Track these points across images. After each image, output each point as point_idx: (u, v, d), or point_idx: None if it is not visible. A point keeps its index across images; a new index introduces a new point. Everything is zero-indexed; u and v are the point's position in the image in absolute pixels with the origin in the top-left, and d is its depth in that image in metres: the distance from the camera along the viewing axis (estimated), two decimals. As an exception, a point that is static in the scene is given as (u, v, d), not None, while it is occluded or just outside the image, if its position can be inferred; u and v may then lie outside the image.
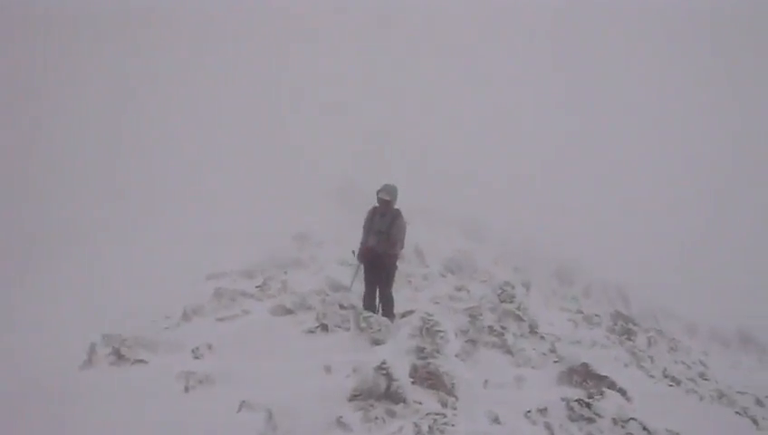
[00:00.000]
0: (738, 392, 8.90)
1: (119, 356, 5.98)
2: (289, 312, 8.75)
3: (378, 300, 8.18)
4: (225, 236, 18.29)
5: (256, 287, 11.21)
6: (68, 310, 12.04)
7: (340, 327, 7.61)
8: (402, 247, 8.00)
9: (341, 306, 8.20)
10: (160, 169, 26.12)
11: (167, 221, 20.96)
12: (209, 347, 6.54)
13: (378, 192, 7.85)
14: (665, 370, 8.98)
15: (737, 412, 7.26)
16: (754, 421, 7.10)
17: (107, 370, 5.64)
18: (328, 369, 5.58)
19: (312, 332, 7.47)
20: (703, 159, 35.25)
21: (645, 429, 4.74)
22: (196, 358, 6.25)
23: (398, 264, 8.26)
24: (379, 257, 7.92)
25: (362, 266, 8.21)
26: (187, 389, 4.98)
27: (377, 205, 7.97)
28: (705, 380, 9.51)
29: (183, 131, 30.01)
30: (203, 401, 4.68)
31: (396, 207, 7.96)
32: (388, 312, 8.01)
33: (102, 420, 4.19)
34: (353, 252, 8.26)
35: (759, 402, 8.66)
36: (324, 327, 7.51)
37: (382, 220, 7.85)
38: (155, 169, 26.19)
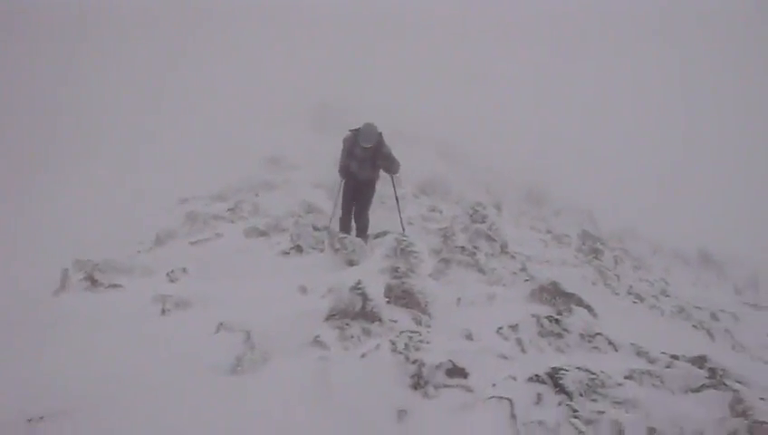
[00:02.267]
0: (696, 307, 9.30)
1: (92, 281, 5.93)
2: (262, 234, 8.76)
3: (353, 222, 8.25)
4: (197, 160, 18.01)
5: (228, 210, 11.14)
6: (39, 239, 11.88)
7: (314, 249, 7.66)
8: (399, 166, 8.15)
9: (315, 228, 8.23)
10: (133, 96, 25.35)
11: (138, 146, 20.51)
12: (184, 270, 6.55)
13: (359, 139, 7.86)
14: (630, 287, 9.30)
15: (694, 326, 7.61)
16: (710, 334, 7.48)
17: (81, 295, 5.60)
18: (303, 290, 5.64)
19: (286, 253, 7.50)
20: (677, 98, 35.48)
21: (610, 343, 4.94)
22: (172, 281, 6.27)
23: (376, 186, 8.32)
24: (362, 183, 8.10)
25: (341, 188, 8.38)
26: (163, 311, 5.00)
27: (355, 132, 7.97)
28: (667, 296, 9.89)
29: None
30: (180, 323, 4.71)
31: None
32: (363, 233, 8.09)
33: (78, 344, 4.18)
34: (339, 170, 8.39)
35: (714, 316, 9.07)
36: (298, 248, 7.55)
37: (365, 151, 7.93)
38: (128, 95, 25.40)
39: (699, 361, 4.53)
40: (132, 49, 30.04)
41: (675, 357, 4.65)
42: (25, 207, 14.84)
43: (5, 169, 18.45)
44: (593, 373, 3.97)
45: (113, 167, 18.49)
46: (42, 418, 3.16)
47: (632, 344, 4.93)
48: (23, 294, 6.44)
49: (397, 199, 8.93)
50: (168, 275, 6.42)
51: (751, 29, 40.95)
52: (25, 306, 5.04)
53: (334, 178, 13.37)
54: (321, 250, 7.49)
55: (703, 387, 3.89)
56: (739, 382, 3.97)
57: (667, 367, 4.37)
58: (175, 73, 28.23)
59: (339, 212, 8.59)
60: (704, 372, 4.21)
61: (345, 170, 8.18)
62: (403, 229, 8.59)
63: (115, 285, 5.93)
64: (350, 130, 8.16)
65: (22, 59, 27.02)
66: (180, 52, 30.29)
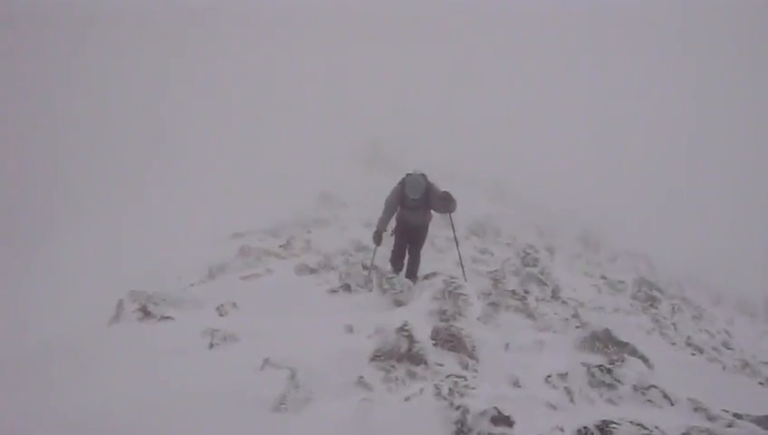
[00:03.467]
0: (762, 363, 8.81)
1: (145, 313, 6.09)
2: (312, 271, 8.84)
3: (405, 262, 8.19)
4: (251, 195, 18.42)
5: (280, 246, 11.30)
6: (92, 270, 12.29)
7: (362, 287, 7.67)
8: (456, 204, 7.79)
9: (365, 266, 8.26)
10: (187, 130, 26.30)
11: (193, 181, 21.17)
12: (234, 305, 6.64)
13: (407, 191, 7.66)
14: (688, 338, 8.90)
15: (761, 383, 7.20)
16: (778, 392, 7.05)
17: (134, 326, 5.74)
18: (350, 329, 5.64)
19: (334, 291, 7.54)
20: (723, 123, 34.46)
21: (665, 396, 4.72)
22: (221, 315, 6.36)
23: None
24: (415, 227, 8.02)
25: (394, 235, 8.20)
26: (211, 345, 5.07)
27: (403, 182, 7.79)
28: (729, 349, 9.42)
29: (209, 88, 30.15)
30: (227, 357, 4.76)
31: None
32: (413, 274, 8.04)
33: (129, 374, 4.29)
34: (374, 235, 7.99)
35: (783, 373, 8.57)
36: (347, 287, 7.58)
37: (414, 201, 7.73)
38: (182, 130, 26.38)
39: (765, 421, 4.28)
40: (190, 76, 31.14)
41: (737, 416, 4.40)
42: (79, 239, 15.41)
43: (67, 195, 19.33)
44: (646, 428, 3.80)
45: (170, 198, 19.08)
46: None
47: (690, 399, 4.70)
48: (79, 323, 6.66)
49: (456, 240, 8.64)
50: (217, 308, 6.52)
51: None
52: (80, 335, 5.21)
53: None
54: (370, 290, 7.51)
55: (767, 449, 3.67)
56: (807, 446, 3.73)
57: (729, 426, 4.15)
58: (231, 105, 29.15)
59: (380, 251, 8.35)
60: (769, 433, 3.97)
61: (383, 226, 7.91)
62: (462, 268, 8.39)
63: (167, 317, 6.07)
64: (399, 181, 7.95)
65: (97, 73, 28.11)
66: (237, 92, 31.31)
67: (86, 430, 3.38)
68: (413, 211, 7.86)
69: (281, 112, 29.16)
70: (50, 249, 14.83)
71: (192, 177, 21.43)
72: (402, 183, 7.79)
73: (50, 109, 26.67)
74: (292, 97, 30.92)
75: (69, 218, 17.35)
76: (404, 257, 8.26)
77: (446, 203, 7.54)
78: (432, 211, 7.93)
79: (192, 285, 9.40)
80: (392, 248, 8.26)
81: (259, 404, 3.84)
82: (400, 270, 8.17)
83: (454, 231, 8.44)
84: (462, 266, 8.37)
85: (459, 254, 8.58)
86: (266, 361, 4.44)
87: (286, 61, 34.06)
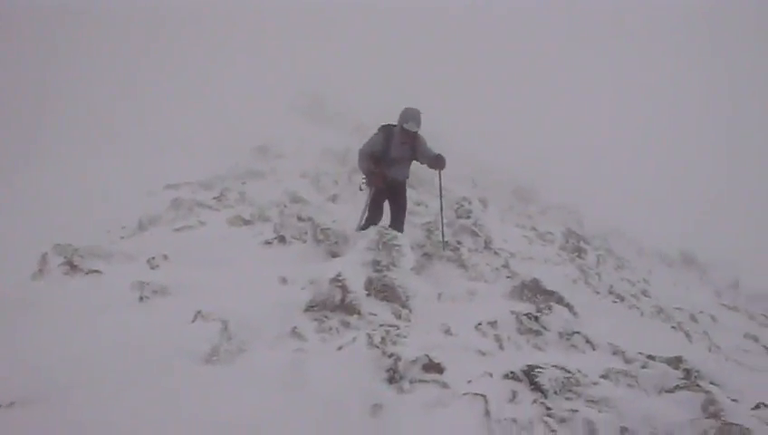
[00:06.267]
0: (676, 308, 9.36)
1: (72, 266, 5.84)
2: (246, 223, 8.71)
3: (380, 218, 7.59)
4: (186, 149, 17.91)
5: (214, 198, 11.07)
6: (22, 223, 11.71)
7: (297, 239, 7.61)
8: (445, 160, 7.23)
9: (299, 218, 8.18)
10: (123, 84, 25.13)
11: (127, 132, 20.36)
12: (165, 257, 6.47)
13: (403, 123, 6.97)
14: (611, 287, 9.33)
15: (673, 327, 7.66)
16: (687, 335, 7.54)
17: (59, 280, 5.52)
18: (284, 280, 5.61)
19: (268, 243, 7.45)
20: (664, 99, 35.81)
21: (588, 341, 4.97)
22: (152, 268, 6.19)
23: None
24: (398, 186, 7.44)
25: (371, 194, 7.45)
26: (141, 299, 4.94)
27: (389, 128, 7.17)
28: (647, 296, 9.95)
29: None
30: (157, 311, 4.66)
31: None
32: (402, 225, 7.59)
33: (55, 329, 4.14)
34: (362, 183, 7.47)
35: (693, 318, 9.14)
36: (282, 238, 7.51)
37: (402, 148, 7.15)
38: (118, 84, 25.17)
39: (675, 362, 4.57)
40: (125, 41, 29.74)
41: (651, 357, 4.68)
42: (8, 194, 14.64)
43: None
44: (569, 372, 3.99)
45: (101, 152, 18.32)
46: (12, 404, 3.12)
47: (610, 344, 4.96)
48: (0, 279, 6.34)
49: (441, 197, 8.08)
50: (148, 261, 6.34)
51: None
52: (1, 292, 4.97)
53: (321, 170, 13.35)
54: (305, 241, 7.45)
55: (677, 388, 3.92)
56: (713, 384, 4.01)
57: (643, 367, 4.40)
58: (168, 63, 28.04)
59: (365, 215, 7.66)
60: (679, 373, 4.24)
61: (381, 181, 7.18)
62: (443, 235, 7.86)
63: (94, 271, 5.85)
64: (380, 129, 7.27)
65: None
66: (175, 43, 30.04)
67: (13, 386, 3.26)
68: (399, 164, 7.25)
69: (217, 65, 28.23)
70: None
71: (127, 131, 20.61)
72: (385, 129, 7.16)
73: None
74: (230, 51, 29.94)
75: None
76: (380, 215, 7.61)
77: (434, 157, 7.10)
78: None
79: (122, 238, 9.12)
80: (368, 208, 7.51)
81: (191, 357, 3.79)
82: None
83: (441, 189, 8.02)
84: (442, 225, 8.00)
85: (442, 213, 8.15)
86: (198, 313, 4.37)
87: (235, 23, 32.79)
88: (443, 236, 7.84)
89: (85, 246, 6.59)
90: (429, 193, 13.00)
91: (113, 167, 16.50)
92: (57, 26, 28.35)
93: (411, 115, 6.96)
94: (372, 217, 7.51)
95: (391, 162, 7.18)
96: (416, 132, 7.07)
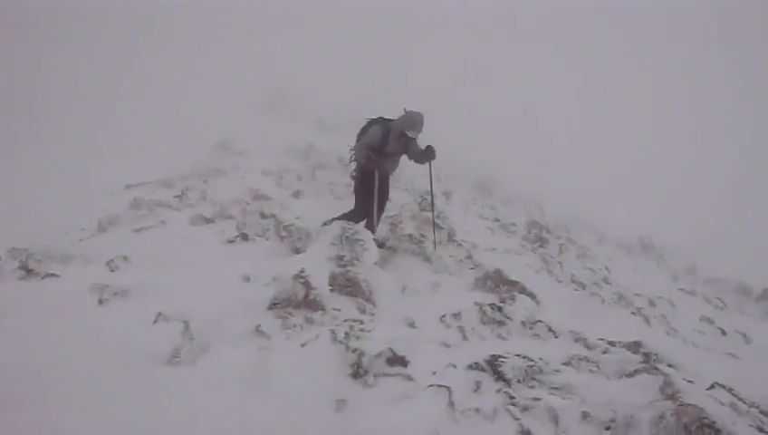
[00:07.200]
0: (635, 294, 9.60)
1: (27, 271, 5.69)
2: (208, 221, 8.59)
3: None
4: (146, 145, 17.56)
5: (175, 197, 10.89)
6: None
7: (260, 236, 7.55)
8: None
9: (262, 215, 8.11)
10: (79, 83, 24.50)
11: (85, 131, 19.88)
12: (125, 258, 6.36)
13: (405, 129, 6.90)
14: (572, 275, 9.52)
15: (632, 312, 7.86)
16: (646, 320, 7.74)
17: (13, 285, 5.35)
18: (246, 278, 5.56)
19: (231, 241, 7.37)
20: (622, 88, 36.49)
21: (550, 330, 5.05)
22: (111, 270, 6.07)
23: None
24: (388, 178, 7.53)
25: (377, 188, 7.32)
26: (100, 301, 4.84)
27: (386, 124, 7.08)
28: (608, 284, 10.17)
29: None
30: (117, 313, 4.57)
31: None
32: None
33: (8, 336, 4.01)
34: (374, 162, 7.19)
35: (651, 303, 9.39)
36: (244, 236, 7.43)
37: (397, 144, 7.14)
38: (73, 82, 24.52)
39: (634, 346, 4.68)
40: (81, 39, 28.97)
41: (612, 343, 4.78)
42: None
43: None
44: (532, 360, 4.05)
45: (57, 151, 17.84)
46: (-35, 410, 3.03)
47: (571, 331, 5.05)
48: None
49: (432, 190, 8.06)
50: (107, 263, 6.22)
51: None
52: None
53: (284, 167, 13.24)
54: (268, 238, 7.40)
55: (636, 372, 4.01)
56: (670, 366, 4.11)
57: (604, 353, 4.50)
58: (126, 60, 27.44)
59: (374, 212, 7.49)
60: (638, 357, 4.34)
61: (372, 156, 7.06)
62: (434, 233, 7.84)
63: (51, 275, 5.71)
64: (371, 123, 7.23)
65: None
66: (133, 40, 29.42)
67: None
68: (393, 159, 7.26)
69: (176, 61, 27.72)
70: None
71: (84, 129, 20.10)
72: (382, 125, 7.07)
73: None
74: (189, 46, 29.43)
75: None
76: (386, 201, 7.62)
77: (424, 152, 7.09)
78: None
79: (81, 240, 8.90)
80: (376, 203, 7.32)
81: (152, 359, 3.73)
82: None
83: (431, 183, 8.02)
84: (434, 222, 8.02)
85: (433, 205, 8.18)
86: (159, 314, 4.30)
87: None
88: (435, 234, 7.88)
89: (42, 249, 6.45)
90: (393, 187, 13.02)
91: (70, 167, 16.08)
92: (12, 25, 27.56)
93: (415, 122, 6.90)
94: (381, 205, 7.50)
95: (386, 156, 7.19)
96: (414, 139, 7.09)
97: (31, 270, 5.74)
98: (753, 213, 23.39)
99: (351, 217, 7.32)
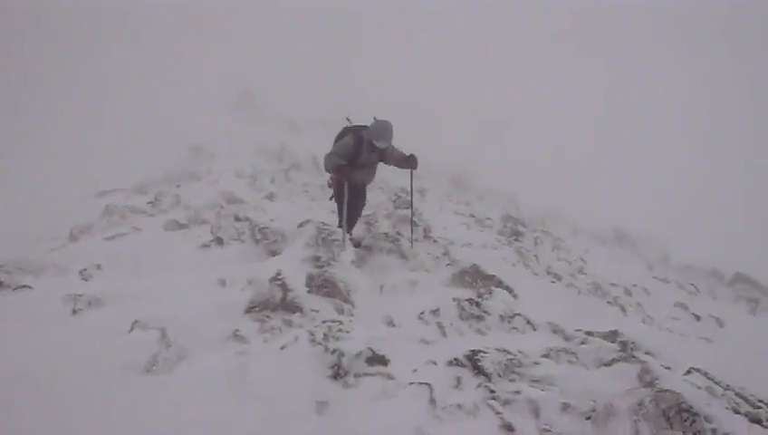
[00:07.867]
0: (611, 284, 9.73)
1: (-2, 283, 5.57)
2: (182, 226, 8.50)
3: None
4: (117, 150, 17.29)
5: (148, 203, 10.76)
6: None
7: (235, 240, 7.48)
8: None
9: (237, 218, 8.04)
10: (50, 88, 24.01)
11: (56, 137, 19.49)
12: (98, 267, 6.27)
13: (373, 139, 6.78)
14: (548, 267, 9.62)
15: (609, 302, 7.96)
16: (623, 309, 7.85)
17: (-16, 298, 5.23)
18: (223, 282, 5.51)
19: (206, 246, 7.30)
20: (596, 80, 36.87)
21: (528, 322, 5.08)
22: (84, 279, 5.98)
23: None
24: (362, 188, 7.47)
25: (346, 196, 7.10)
26: (74, 311, 4.75)
27: (358, 133, 6.94)
28: (584, 274, 10.29)
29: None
30: (92, 323, 4.49)
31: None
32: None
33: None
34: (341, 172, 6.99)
35: (627, 292, 9.53)
36: (219, 241, 7.36)
37: (370, 155, 7.05)
38: (46, 88, 24.02)
39: (611, 335, 4.73)
40: (49, 40, 28.40)
41: (589, 333, 4.82)
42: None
43: None
44: (511, 354, 4.08)
45: (27, 158, 17.47)
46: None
47: (549, 323, 5.09)
48: None
49: (412, 196, 8.02)
50: (80, 273, 6.12)
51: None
52: None
53: (257, 169, 13.14)
54: (243, 241, 7.34)
55: (614, 361, 4.06)
56: (647, 354, 4.17)
57: (582, 343, 4.54)
58: (95, 63, 26.97)
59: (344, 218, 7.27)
60: (615, 346, 4.39)
61: (344, 172, 6.92)
62: (412, 232, 7.80)
63: (23, 286, 5.59)
64: (346, 131, 7.09)
65: None
66: (102, 42, 28.92)
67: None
68: (369, 168, 7.17)
69: (144, 64, 27.31)
70: None
71: (54, 136, 19.69)
72: (354, 134, 6.92)
73: None
74: (156, 49, 29.03)
75: None
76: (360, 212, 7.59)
77: (406, 159, 7.07)
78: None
79: (52, 249, 8.74)
80: (346, 213, 7.09)
81: (128, 368, 3.67)
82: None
83: (411, 188, 7.97)
84: (412, 223, 7.99)
85: (412, 211, 8.16)
86: (135, 323, 4.23)
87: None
88: (412, 234, 7.85)
89: (12, 260, 6.32)
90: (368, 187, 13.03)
91: (41, 174, 15.79)
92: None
93: (382, 132, 6.80)
94: (352, 215, 7.36)
95: (358, 166, 7.06)
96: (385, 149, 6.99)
97: (1, 283, 5.62)
98: (724, 200, 23.84)
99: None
